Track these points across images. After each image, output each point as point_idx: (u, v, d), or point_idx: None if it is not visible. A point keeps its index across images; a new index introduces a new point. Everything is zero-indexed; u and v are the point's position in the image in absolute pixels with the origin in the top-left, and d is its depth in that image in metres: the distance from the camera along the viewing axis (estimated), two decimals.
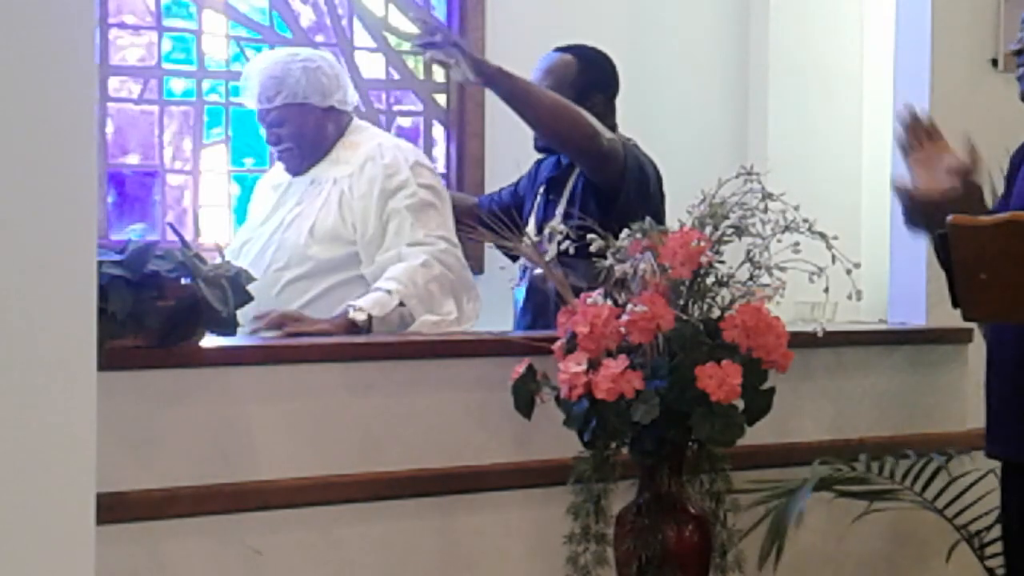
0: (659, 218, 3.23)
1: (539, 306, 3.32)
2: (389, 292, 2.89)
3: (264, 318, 2.81)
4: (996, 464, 2.69)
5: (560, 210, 3.39)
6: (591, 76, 3.44)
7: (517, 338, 2.70)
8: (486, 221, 3.14)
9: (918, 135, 2.47)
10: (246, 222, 3.36)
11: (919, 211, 2.43)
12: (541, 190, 3.51)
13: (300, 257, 3.07)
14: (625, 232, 2.48)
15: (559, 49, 3.49)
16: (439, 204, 3.09)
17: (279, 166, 3.32)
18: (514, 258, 3.41)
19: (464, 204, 3.56)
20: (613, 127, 3.44)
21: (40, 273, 1.26)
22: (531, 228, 3.38)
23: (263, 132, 3.25)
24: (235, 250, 3.19)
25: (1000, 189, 2.83)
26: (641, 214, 3.22)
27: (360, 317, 2.84)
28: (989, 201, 2.65)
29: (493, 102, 4.28)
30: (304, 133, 3.17)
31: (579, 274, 2.67)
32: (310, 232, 3.07)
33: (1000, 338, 2.54)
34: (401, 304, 2.90)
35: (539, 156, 3.56)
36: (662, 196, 3.39)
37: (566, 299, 2.49)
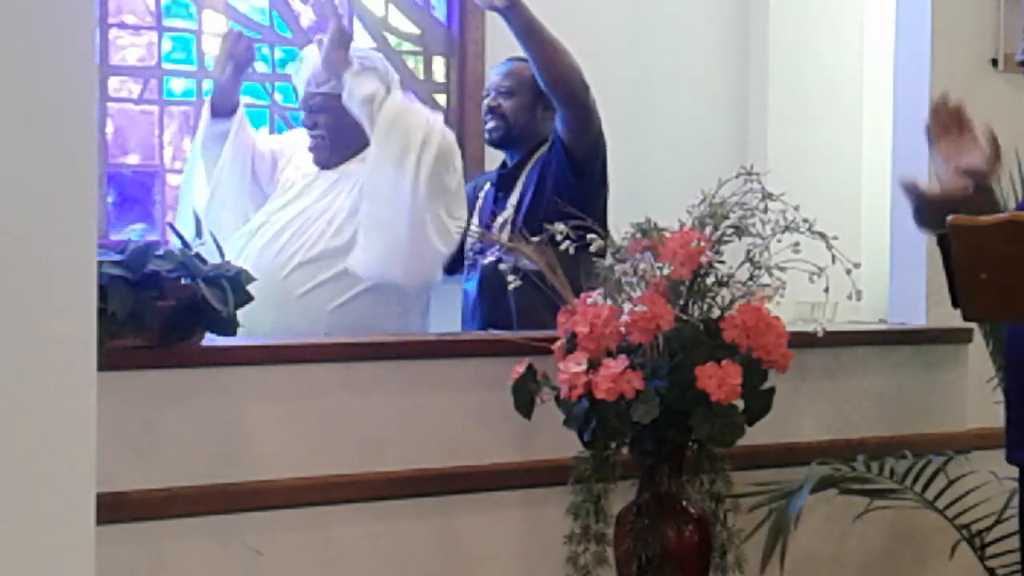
0: (605, 208, 3.40)
1: (495, 296, 3.33)
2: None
3: None
4: (996, 464, 2.69)
5: (512, 200, 3.49)
6: None
7: (517, 338, 2.70)
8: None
9: (946, 123, 2.44)
10: (267, 204, 3.35)
11: (928, 210, 2.42)
12: (486, 188, 3.62)
13: (312, 245, 3.11)
14: (625, 232, 2.48)
15: (515, 58, 3.59)
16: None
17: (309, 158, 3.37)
18: (451, 272, 3.49)
19: None
20: None
21: (40, 273, 1.26)
22: (475, 225, 3.46)
23: (302, 116, 3.33)
24: (251, 231, 3.21)
25: (1007, 189, 2.82)
26: (597, 195, 3.32)
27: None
28: (1010, 202, 2.64)
29: None
30: (340, 126, 3.23)
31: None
32: (328, 223, 3.12)
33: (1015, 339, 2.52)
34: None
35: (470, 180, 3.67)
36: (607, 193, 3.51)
37: (564, 297, 2.49)
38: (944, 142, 2.39)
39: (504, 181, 3.57)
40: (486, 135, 3.61)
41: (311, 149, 3.30)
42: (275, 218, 3.21)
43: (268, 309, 2.97)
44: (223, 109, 3.35)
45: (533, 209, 3.37)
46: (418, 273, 3.13)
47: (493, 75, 3.62)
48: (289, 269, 3.09)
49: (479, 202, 3.60)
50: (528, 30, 3.29)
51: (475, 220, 3.50)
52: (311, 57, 3.30)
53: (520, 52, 3.59)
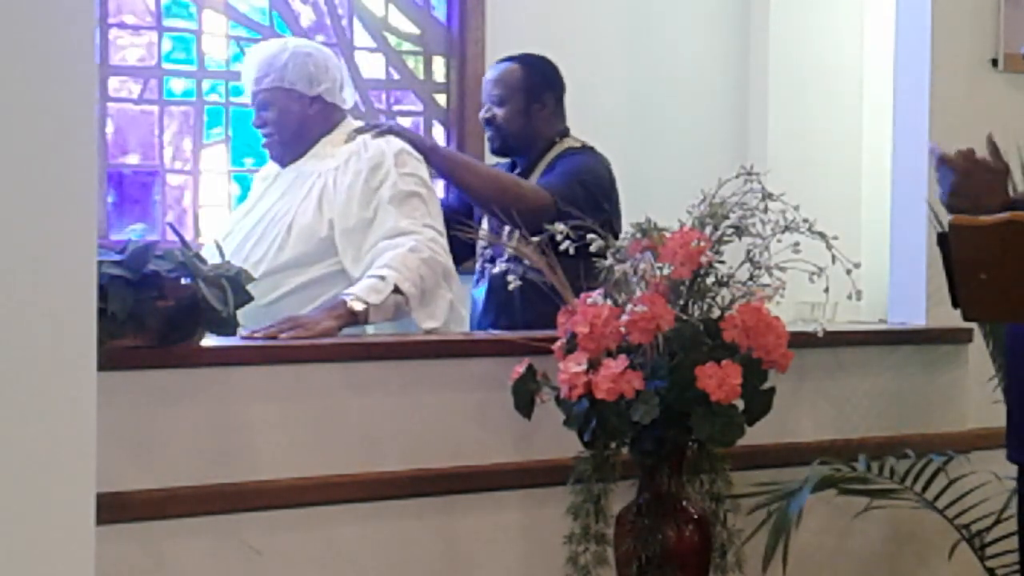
0: (613, 220, 3.36)
1: (501, 305, 3.32)
2: (382, 278, 2.87)
3: (260, 330, 2.78)
4: (996, 464, 2.69)
5: None
6: (537, 79, 3.55)
7: (517, 338, 2.70)
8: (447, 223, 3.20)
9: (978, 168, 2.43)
10: (232, 213, 3.35)
11: (969, 184, 2.39)
12: None
13: (276, 251, 3.06)
14: (625, 232, 2.48)
15: (503, 60, 3.60)
16: (424, 192, 3.08)
17: (269, 164, 3.32)
18: (457, 263, 3.47)
19: None
20: (567, 131, 3.57)
21: (40, 273, 1.26)
22: (485, 227, 3.45)
23: (252, 116, 3.26)
24: (220, 239, 3.18)
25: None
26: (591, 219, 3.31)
27: (358, 307, 2.82)
28: None
29: None
30: (287, 120, 3.16)
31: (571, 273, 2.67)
32: (288, 227, 3.06)
33: (1016, 340, 2.53)
34: (397, 291, 2.87)
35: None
36: (614, 195, 3.47)
37: (564, 297, 2.49)
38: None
39: None
40: (488, 144, 3.60)
41: (264, 147, 3.25)
42: (239, 226, 3.18)
43: (239, 317, 2.94)
44: None
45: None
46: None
47: (484, 84, 3.60)
48: (256, 278, 3.05)
49: None
50: (446, 174, 3.35)
51: (485, 222, 3.48)
52: (250, 59, 3.22)
53: (511, 51, 3.60)
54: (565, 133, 3.55)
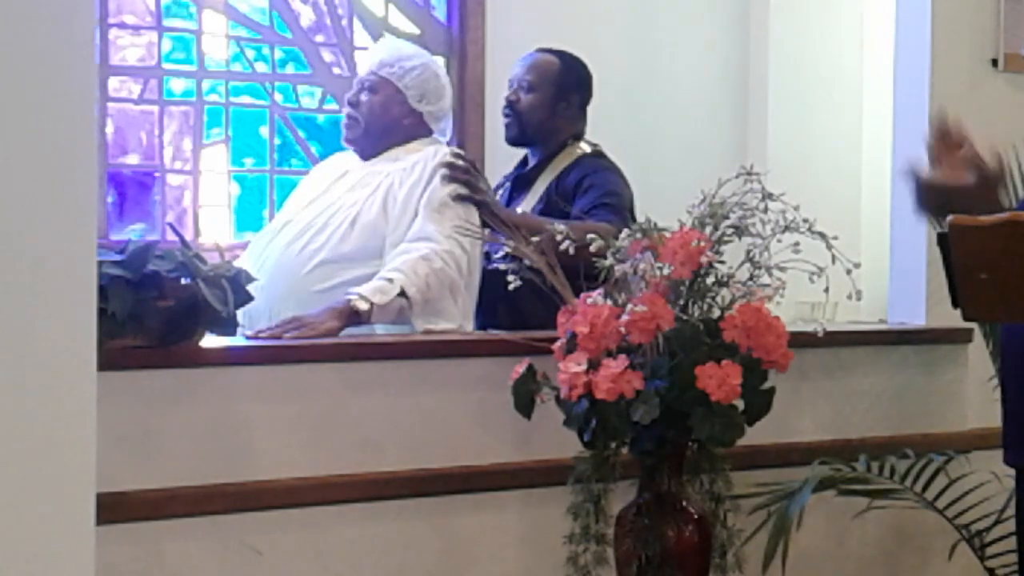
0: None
1: (493, 303, 3.32)
2: (390, 280, 2.90)
3: (265, 330, 2.80)
4: (996, 464, 2.69)
5: (526, 207, 3.46)
6: (571, 77, 3.54)
7: (517, 338, 2.70)
8: None
9: (948, 145, 2.42)
10: (287, 204, 3.35)
11: (929, 197, 2.40)
12: (506, 187, 3.60)
13: (338, 242, 3.09)
14: (625, 232, 2.48)
15: (542, 50, 3.58)
16: (460, 206, 3.10)
17: (336, 157, 3.37)
18: None
19: None
20: (582, 133, 3.55)
21: (40, 273, 1.26)
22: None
23: (350, 92, 3.31)
24: (275, 229, 3.20)
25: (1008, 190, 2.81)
26: None
27: (363, 306, 2.84)
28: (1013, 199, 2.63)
29: (493, 102, 4.29)
30: (379, 112, 3.22)
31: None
32: (352, 221, 3.10)
33: (1011, 340, 2.53)
34: (402, 294, 2.89)
35: (504, 169, 3.63)
36: (634, 215, 3.42)
37: (565, 298, 2.49)
38: (945, 160, 2.38)
39: (520, 183, 3.55)
40: (504, 131, 3.57)
41: (344, 125, 3.29)
42: (300, 216, 3.20)
43: (291, 304, 2.97)
44: None
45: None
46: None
47: (516, 67, 3.56)
48: (312, 265, 3.07)
49: (499, 196, 3.55)
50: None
51: None
52: (390, 45, 3.39)
53: (545, 43, 3.57)
54: (579, 136, 3.53)
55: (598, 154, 3.51)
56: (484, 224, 3.14)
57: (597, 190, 3.37)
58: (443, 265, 2.98)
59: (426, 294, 2.93)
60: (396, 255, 2.99)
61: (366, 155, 3.24)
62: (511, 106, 3.52)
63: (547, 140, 3.50)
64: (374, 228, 3.08)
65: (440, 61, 4.44)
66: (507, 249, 2.59)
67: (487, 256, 3.28)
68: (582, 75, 3.57)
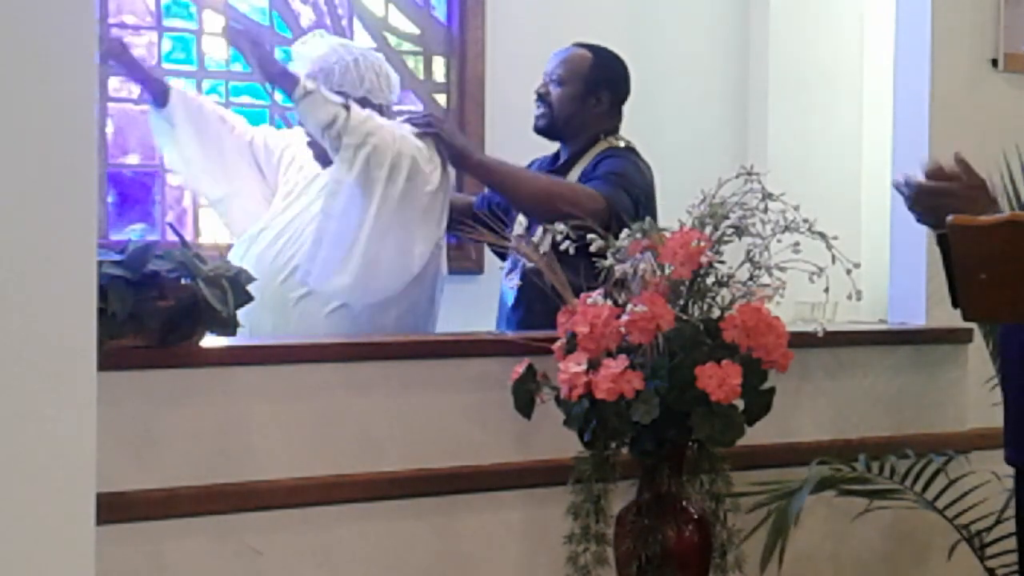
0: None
1: (532, 301, 3.30)
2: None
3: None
4: (996, 464, 2.69)
5: None
6: (603, 74, 3.47)
7: (517, 338, 2.70)
8: (483, 219, 3.17)
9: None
10: (271, 207, 3.34)
11: (921, 200, 2.40)
12: None
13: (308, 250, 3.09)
14: (625, 232, 2.48)
15: (578, 44, 3.53)
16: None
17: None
18: (503, 256, 3.48)
19: (461, 203, 3.55)
20: (616, 129, 3.49)
21: (40, 273, 1.26)
22: (520, 224, 3.40)
23: None
24: (253, 235, 3.20)
25: (1000, 191, 2.82)
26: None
27: (310, 85, 2.95)
28: (1006, 206, 2.63)
29: (493, 102, 4.29)
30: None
31: (575, 272, 2.65)
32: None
33: (1010, 338, 2.53)
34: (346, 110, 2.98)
35: (533, 158, 3.59)
36: (653, 203, 3.41)
37: (564, 297, 2.49)
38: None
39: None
40: (534, 121, 3.52)
41: (308, 144, 3.28)
42: (275, 222, 3.20)
43: (267, 313, 2.97)
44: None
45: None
46: (366, 290, 3.07)
47: (550, 61, 3.51)
48: (286, 273, 3.06)
49: None
50: (494, 186, 3.32)
51: (520, 217, 3.45)
52: (303, 51, 3.26)
53: (545, 44, 3.57)
54: (612, 131, 3.47)
55: (630, 149, 3.46)
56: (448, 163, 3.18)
57: (605, 168, 3.34)
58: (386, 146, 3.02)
59: (365, 140, 2.99)
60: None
61: (330, 161, 3.20)
62: (541, 98, 3.47)
63: (577, 135, 3.44)
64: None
65: (440, 61, 4.45)
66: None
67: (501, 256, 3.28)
68: (616, 72, 3.51)
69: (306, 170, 3.32)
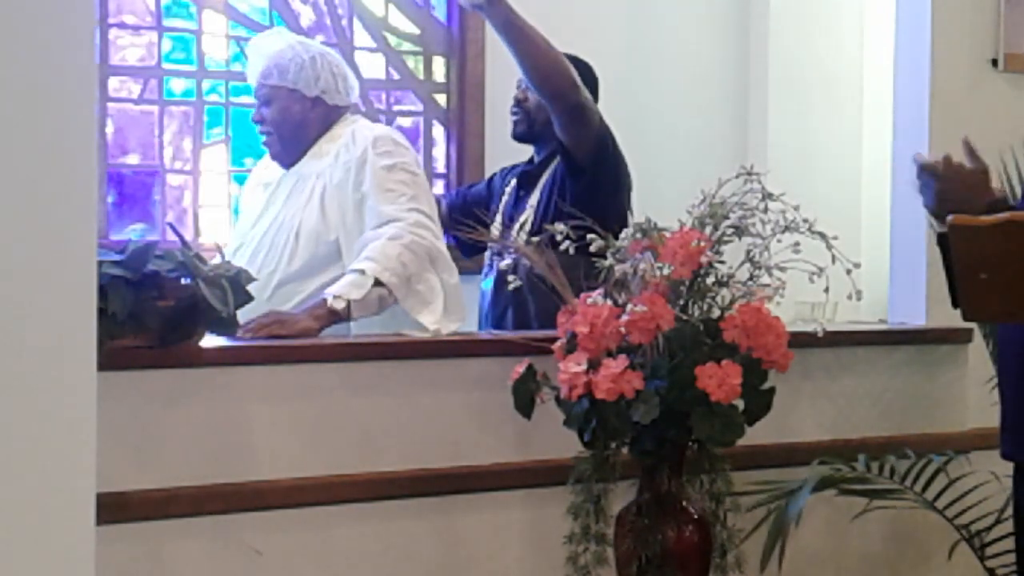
0: (624, 206, 3.38)
1: (509, 297, 3.31)
2: (362, 272, 2.84)
3: (246, 328, 2.76)
4: (996, 464, 2.69)
5: (532, 201, 3.47)
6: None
7: (517, 338, 2.70)
8: (458, 219, 3.18)
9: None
10: (238, 223, 3.34)
11: (953, 188, 2.40)
12: (512, 183, 3.60)
13: (288, 259, 3.04)
14: (625, 232, 2.48)
15: None
16: (406, 176, 3.03)
17: (269, 163, 3.30)
18: (472, 253, 3.53)
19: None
20: None
21: (40, 273, 1.26)
22: (498, 222, 3.45)
23: (253, 111, 3.25)
24: (229, 255, 3.16)
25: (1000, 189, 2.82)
26: (604, 195, 3.29)
27: (339, 305, 2.80)
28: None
29: (493, 102, 4.29)
30: (286, 119, 3.15)
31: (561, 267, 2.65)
32: (296, 233, 3.04)
33: (1007, 337, 2.53)
34: (378, 283, 2.83)
35: (506, 164, 3.64)
36: (629, 187, 3.48)
37: (564, 297, 2.49)
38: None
39: (526, 178, 3.56)
40: (511, 127, 3.60)
41: (264, 145, 3.25)
42: (248, 237, 3.16)
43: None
44: None
45: (552, 212, 3.33)
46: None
47: None
48: (271, 289, 3.03)
49: (504, 196, 3.59)
50: (508, 27, 3.26)
51: (499, 216, 3.48)
52: (255, 52, 3.22)
53: (560, 43, 3.57)
54: None
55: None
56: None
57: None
58: (414, 237, 2.91)
59: (403, 273, 2.86)
60: (363, 245, 2.93)
61: (292, 162, 3.17)
62: (519, 104, 3.55)
63: (552, 138, 3.49)
64: (317, 236, 3.02)
65: (440, 61, 4.45)
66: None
67: (499, 252, 3.28)
68: (584, 78, 3.56)
69: (264, 179, 3.27)
